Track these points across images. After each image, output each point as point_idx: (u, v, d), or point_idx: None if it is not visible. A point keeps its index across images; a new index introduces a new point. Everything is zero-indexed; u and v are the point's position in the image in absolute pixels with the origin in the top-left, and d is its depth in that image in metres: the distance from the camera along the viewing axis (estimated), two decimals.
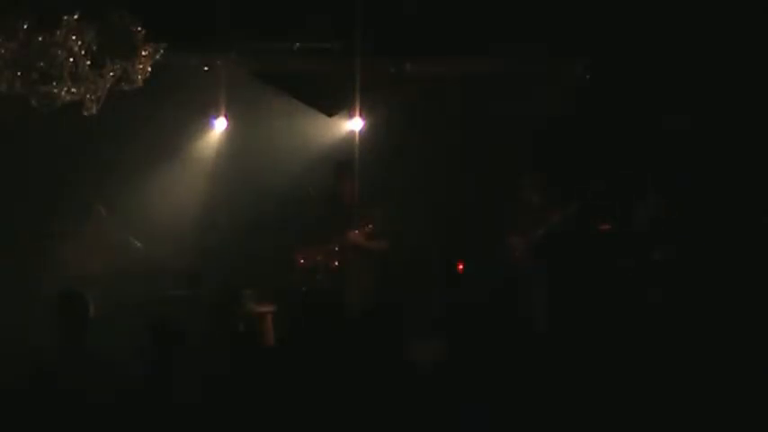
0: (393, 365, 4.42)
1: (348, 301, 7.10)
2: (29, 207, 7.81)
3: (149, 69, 5.96)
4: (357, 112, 8.24)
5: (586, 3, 7.33)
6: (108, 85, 5.85)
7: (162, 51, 5.98)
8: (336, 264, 7.43)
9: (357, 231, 7.38)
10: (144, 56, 5.88)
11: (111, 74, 5.80)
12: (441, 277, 8.60)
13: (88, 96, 5.81)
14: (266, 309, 7.59)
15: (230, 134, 8.48)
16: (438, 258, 8.59)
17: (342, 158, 7.85)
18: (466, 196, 8.41)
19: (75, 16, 5.63)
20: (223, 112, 8.35)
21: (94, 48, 5.72)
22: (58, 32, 5.61)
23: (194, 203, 8.46)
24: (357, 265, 7.41)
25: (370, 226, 7.38)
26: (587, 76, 8.07)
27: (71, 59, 5.65)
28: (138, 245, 7.77)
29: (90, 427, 4.27)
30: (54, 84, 5.68)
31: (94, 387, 4.42)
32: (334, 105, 8.47)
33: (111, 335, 5.10)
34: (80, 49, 5.65)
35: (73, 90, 5.73)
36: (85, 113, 5.90)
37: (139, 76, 5.92)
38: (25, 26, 5.58)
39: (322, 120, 8.54)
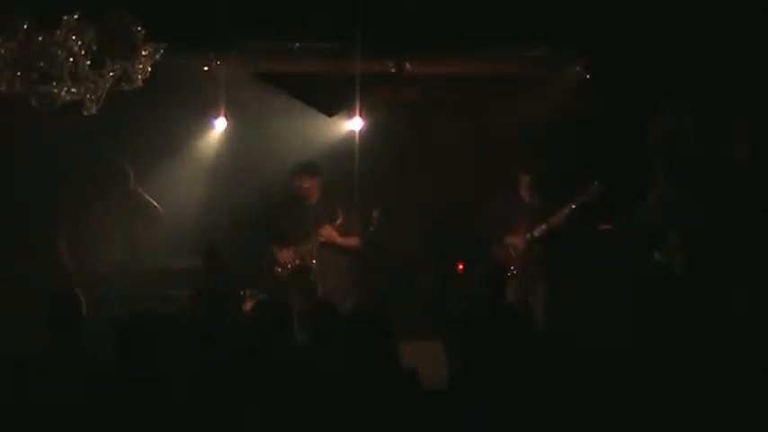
0: (385, 366, 4.42)
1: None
2: (29, 207, 7.81)
3: (149, 69, 5.96)
4: (357, 112, 8.24)
5: (586, 3, 7.33)
6: (108, 85, 5.86)
7: (162, 51, 5.99)
8: (314, 263, 7.42)
9: (328, 226, 7.38)
10: (144, 56, 5.89)
11: (111, 74, 5.81)
12: (440, 277, 8.60)
13: (88, 96, 5.81)
14: None
15: (230, 134, 8.48)
16: (437, 258, 8.59)
17: (303, 159, 7.79)
18: (465, 196, 8.41)
19: (75, 16, 5.64)
20: (223, 112, 8.35)
21: (94, 48, 5.72)
22: (58, 32, 5.61)
23: (194, 203, 8.46)
24: (330, 261, 7.41)
25: (339, 221, 7.37)
26: (587, 76, 8.08)
27: (71, 59, 5.65)
28: (158, 206, 7.80)
29: (82, 427, 4.26)
30: (54, 84, 5.68)
31: (85, 387, 4.39)
32: (334, 105, 8.47)
33: (109, 335, 5.08)
34: (80, 49, 5.66)
35: (73, 90, 5.73)
36: (85, 113, 5.91)
37: (139, 76, 5.93)
38: (25, 26, 5.58)
39: (322, 120, 8.53)
